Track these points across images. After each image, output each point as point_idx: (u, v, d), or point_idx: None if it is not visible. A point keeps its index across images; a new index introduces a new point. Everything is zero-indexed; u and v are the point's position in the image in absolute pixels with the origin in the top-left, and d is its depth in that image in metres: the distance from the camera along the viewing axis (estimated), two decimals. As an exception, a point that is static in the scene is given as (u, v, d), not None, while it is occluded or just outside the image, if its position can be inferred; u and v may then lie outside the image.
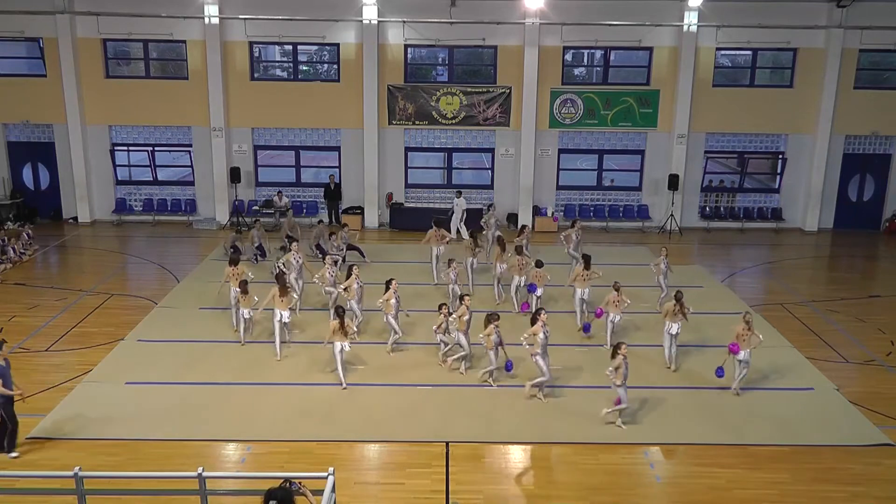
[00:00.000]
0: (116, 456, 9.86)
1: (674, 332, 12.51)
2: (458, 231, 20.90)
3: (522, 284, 15.09)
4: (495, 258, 15.81)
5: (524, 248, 15.55)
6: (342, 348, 11.66)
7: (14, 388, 9.88)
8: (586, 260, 14.35)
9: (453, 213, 21.15)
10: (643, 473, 9.76)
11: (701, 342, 13.58)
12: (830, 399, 11.75)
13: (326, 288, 14.40)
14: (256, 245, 18.08)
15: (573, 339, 13.87)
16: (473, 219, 20.76)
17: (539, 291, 14.68)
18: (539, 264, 14.80)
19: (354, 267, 13.80)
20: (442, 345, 12.77)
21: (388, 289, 13.03)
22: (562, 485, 9.46)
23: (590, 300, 14.42)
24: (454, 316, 12.42)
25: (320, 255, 17.01)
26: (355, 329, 11.78)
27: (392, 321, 13.00)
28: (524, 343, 11.45)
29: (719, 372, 11.90)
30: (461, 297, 12.68)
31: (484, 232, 18.58)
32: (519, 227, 18.70)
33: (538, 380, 11.37)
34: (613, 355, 10.55)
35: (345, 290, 13.62)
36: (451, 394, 11.73)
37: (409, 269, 17.47)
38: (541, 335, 11.21)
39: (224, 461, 10.06)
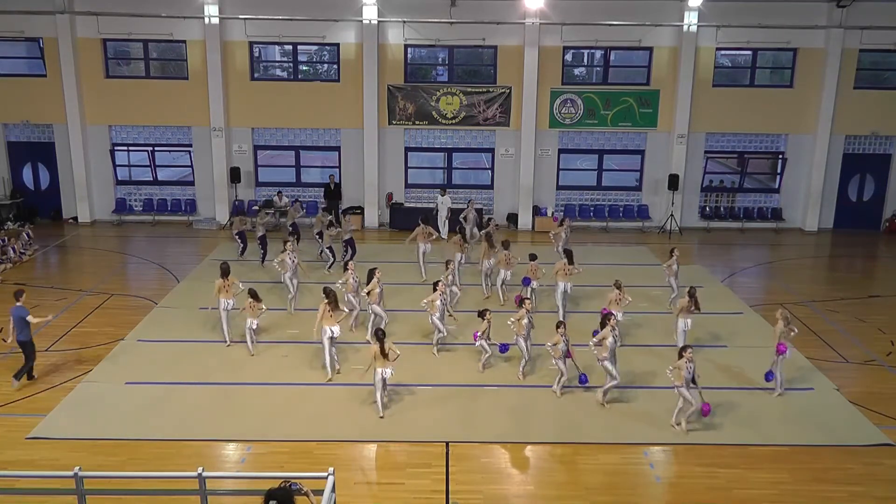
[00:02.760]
0: (116, 456, 9.86)
1: (688, 329, 12.63)
2: (441, 229, 20.91)
3: (509, 279, 15.18)
4: (483, 254, 15.92)
5: (492, 241, 15.86)
6: (384, 375, 10.80)
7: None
8: (568, 255, 14.51)
9: (438, 210, 21.15)
10: (643, 473, 9.76)
11: (700, 342, 13.56)
12: (830, 399, 11.74)
13: (350, 295, 13.81)
14: (260, 235, 17.89)
15: (575, 339, 13.83)
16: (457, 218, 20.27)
17: (534, 284, 14.81)
18: (533, 257, 14.98)
19: (377, 270, 13.54)
20: (483, 351, 12.45)
21: (434, 290, 12.90)
22: (562, 485, 9.46)
23: (573, 294, 14.65)
24: (512, 320, 12.18)
25: (319, 240, 18.12)
26: (398, 353, 10.85)
27: (437, 321, 12.85)
28: (592, 347, 11.29)
29: (769, 376, 11.67)
30: (521, 301, 12.42)
31: (462, 225, 18.62)
32: (485, 219, 18.78)
33: (608, 385, 11.22)
34: (679, 357, 10.47)
35: (367, 293, 13.33)
36: (451, 394, 11.72)
37: (409, 268, 17.45)
38: (609, 339, 11.06)
39: (224, 461, 10.05)
